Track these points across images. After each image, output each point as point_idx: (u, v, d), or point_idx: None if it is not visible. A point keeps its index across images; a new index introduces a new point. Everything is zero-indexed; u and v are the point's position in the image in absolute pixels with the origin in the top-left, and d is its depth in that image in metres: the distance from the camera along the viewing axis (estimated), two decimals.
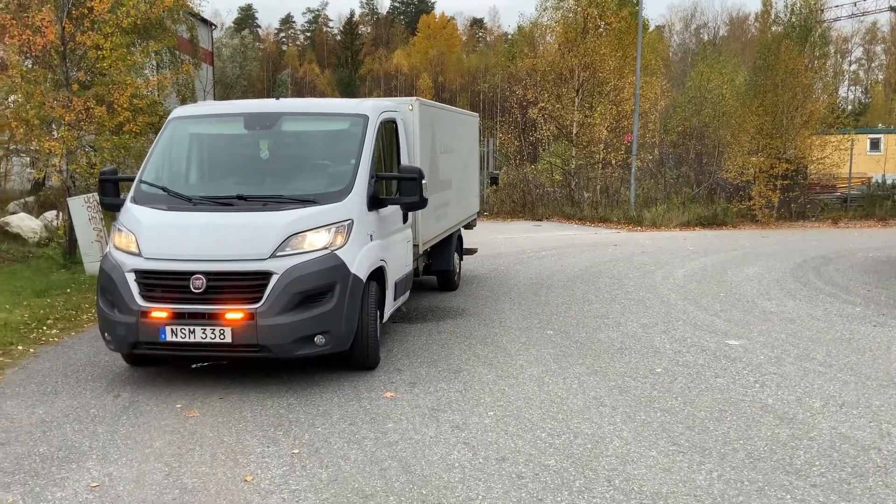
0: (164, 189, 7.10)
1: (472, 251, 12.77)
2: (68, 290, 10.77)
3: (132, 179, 7.45)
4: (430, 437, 5.43)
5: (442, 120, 10.41)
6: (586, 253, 15.78)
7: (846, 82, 72.91)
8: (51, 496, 4.58)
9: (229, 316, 6.25)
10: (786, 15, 34.33)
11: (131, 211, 6.95)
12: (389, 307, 7.79)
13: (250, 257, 6.36)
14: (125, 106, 12.23)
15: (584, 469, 4.89)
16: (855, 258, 14.97)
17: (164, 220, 6.78)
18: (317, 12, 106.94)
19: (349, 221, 6.76)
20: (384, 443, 5.34)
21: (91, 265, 12.01)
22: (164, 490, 4.65)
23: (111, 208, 7.72)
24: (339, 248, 6.59)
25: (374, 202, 7.21)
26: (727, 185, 24.86)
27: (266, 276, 6.31)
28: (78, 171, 12.50)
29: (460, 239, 11.90)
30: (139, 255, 6.50)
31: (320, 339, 6.43)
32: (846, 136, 25.75)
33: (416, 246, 8.93)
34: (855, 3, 51.44)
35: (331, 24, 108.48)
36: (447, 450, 5.21)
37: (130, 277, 6.45)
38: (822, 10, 34.52)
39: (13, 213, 16.40)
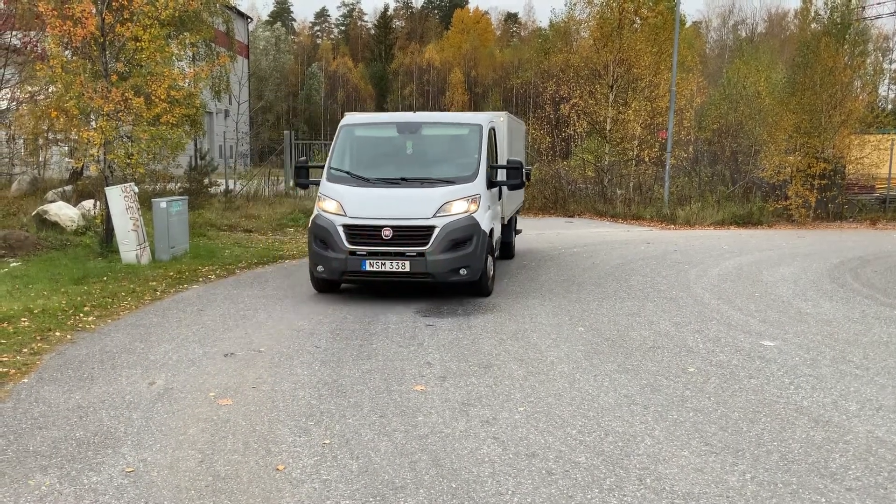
0: (347, 173, 10.32)
1: (518, 231, 15.33)
2: (105, 278, 10.94)
3: (321, 167, 10.73)
4: (460, 432, 5.43)
5: (513, 127, 13.75)
6: (618, 250, 15.68)
7: (886, 81, 71.38)
8: (87, 480, 4.66)
9: (408, 253, 9.45)
10: (825, 11, 33.78)
11: (331, 186, 10.14)
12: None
13: (420, 216, 9.53)
14: (162, 97, 12.38)
15: (615, 467, 4.86)
16: (893, 260, 14.70)
17: (358, 193, 9.93)
18: (351, 6, 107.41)
19: (478, 195, 9.92)
20: (414, 436, 5.36)
21: (127, 254, 12.17)
22: (198, 477, 4.70)
23: (303, 187, 11.66)
24: (474, 212, 9.75)
25: (489, 184, 10.33)
26: (763, 184, 24.53)
27: (431, 229, 9.48)
28: (115, 160, 12.66)
29: (515, 220, 14.77)
30: (345, 215, 9.67)
31: (464, 272, 9.57)
32: (886, 135, 25.30)
33: (501, 218, 11.96)
34: None
35: (365, 17, 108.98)
36: (477, 444, 5.21)
37: (340, 230, 9.61)
38: (864, 7, 33.93)
39: (52, 202, 16.68)
